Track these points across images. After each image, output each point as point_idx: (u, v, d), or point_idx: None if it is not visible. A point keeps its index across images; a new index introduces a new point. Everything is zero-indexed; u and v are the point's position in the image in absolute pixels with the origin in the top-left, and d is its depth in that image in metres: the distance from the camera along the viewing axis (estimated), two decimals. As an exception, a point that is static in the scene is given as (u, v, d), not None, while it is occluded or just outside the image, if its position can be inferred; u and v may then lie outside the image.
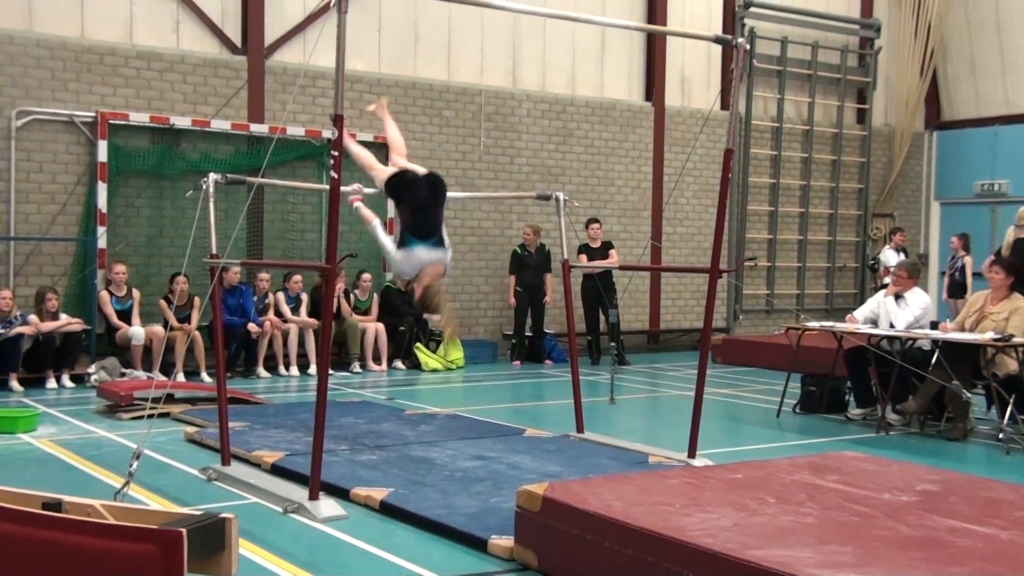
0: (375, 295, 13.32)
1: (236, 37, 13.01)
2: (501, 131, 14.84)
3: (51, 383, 10.99)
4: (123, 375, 11.28)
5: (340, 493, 6.27)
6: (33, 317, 10.92)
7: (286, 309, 12.64)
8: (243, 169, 11.91)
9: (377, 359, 13.08)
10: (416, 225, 6.45)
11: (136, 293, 11.85)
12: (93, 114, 11.96)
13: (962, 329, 9.26)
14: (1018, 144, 17.95)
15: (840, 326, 9.99)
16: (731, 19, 16.88)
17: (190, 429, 8.47)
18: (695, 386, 7.33)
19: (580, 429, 8.37)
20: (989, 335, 8.65)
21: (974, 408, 9.22)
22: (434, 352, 13.43)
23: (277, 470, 6.98)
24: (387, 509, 6.00)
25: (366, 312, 13.25)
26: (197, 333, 11.64)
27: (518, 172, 14.96)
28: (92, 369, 11.21)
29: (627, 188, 16.03)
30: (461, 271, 14.58)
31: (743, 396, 11.48)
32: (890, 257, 15.42)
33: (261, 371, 12.26)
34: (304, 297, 12.86)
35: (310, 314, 12.76)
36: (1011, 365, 8.73)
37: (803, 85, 17.94)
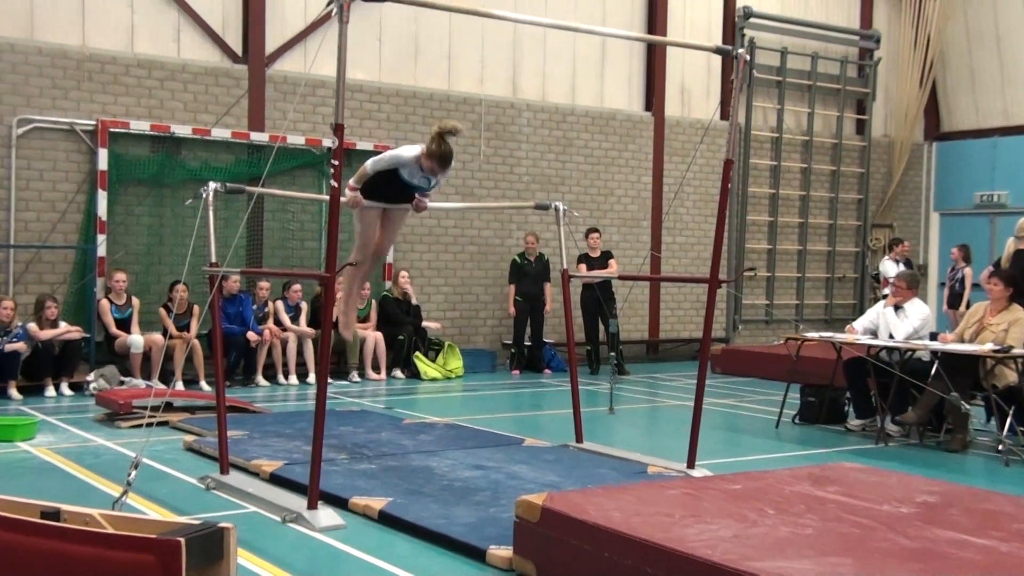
0: (373, 304, 13.32)
1: (237, 46, 13.04)
2: (501, 140, 14.86)
3: (50, 391, 10.99)
4: (122, 383, 11.26)
5: (339, 502, 6.26)
6: (32, 325, 10.91)
7: (285, 318, 12.64)
8: (243, 178, 11.95)
9: (376, 368, 13.07)
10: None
11: (136, 301, 11.85)
12: (94, 122, 11.98)
13: (961, 340, 9.26)
14: (1017, 155, 17.98)
15: (839, 337, 9.99)
16: (731, 30, 16.92)
17: (189, 438, 8.46)
18: (694, 396, 7.32)
19: (579, 439, 8.37)
20: (988, 346, 8.65)
21: (973, 419, 9.21)
22: (433, 361, 13.43)
23: (276, 479, 6.97)
24: (386, 519, 5.99)
25: (364, 320, 13.24)
26: (196, 341, 11.63)
27: (518, 181, 14.98)
28: (91, 377, 11.20)
29: (627, 198, 16.04)
30: (460, 280, 14.59)
31: (742, 406, 11.47)
32: (889, 268, 15.42)
33: (260, 380, 12.26)
34: (304, 306, 12.85)
35: (310, 323, 12.75)
36: (1010, 376, 8.72)
37: (803, 96, 17.97)
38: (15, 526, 4.01)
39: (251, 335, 12.07)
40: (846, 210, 18.58)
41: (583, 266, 13.75)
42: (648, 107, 16.28)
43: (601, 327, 14.10)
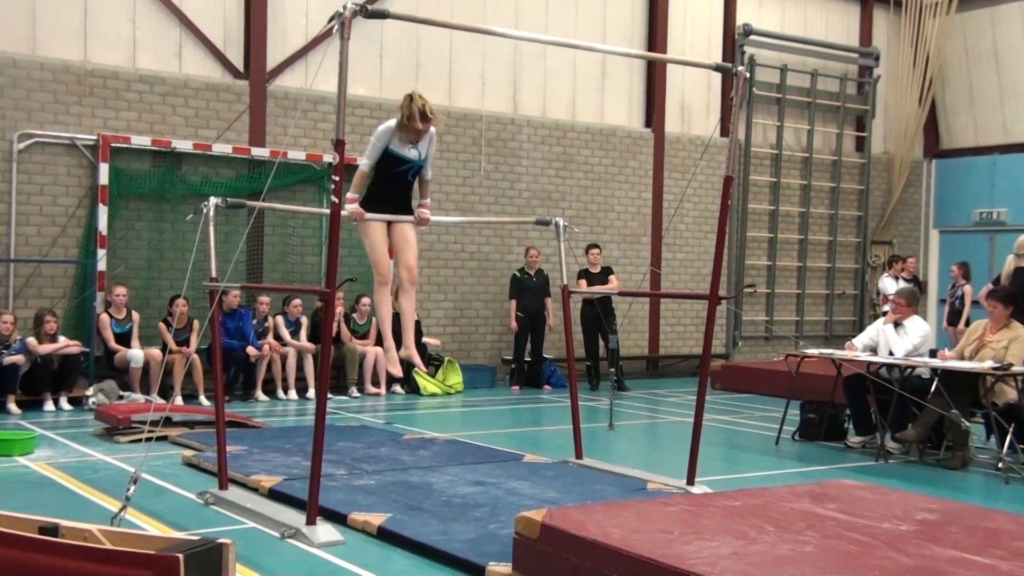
0: (374, 319, 13.31)
1: (238, 62, 13.08)
2: (502, 156, 14.89)
3: (49, 406, 10.98)
4: (121, 398, 11.26)
5: (338, 518, 6.25)
6: (31, 340, 10.91)
7: (285, 333, 12.64)
8: (244, 193, 11.96)
9: (376, 383, 13.07)
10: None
11: (136, 316, 11.85)
12: (95, 137, 12.00)
13: (961, 357, 9.26)
14: (1017, 173, 18.02)
15: (839, 353, 9.98)
16: (731, 47, 16.98)
17: (188, 453, 8.45)
18: (694, 412, 7.32)
19: (579, 455, 8.36)
20: (988, 364, 8.65)
21: (973, 437, 9.21)
22: (433, 377, 13.42)
23: (275, 494, 6.95)
24: (385, 535, 5.98)
25: (364, 336, 13.24)
26: (196, 356, 11.63)
27: (518, 197, 15.00)
28: (90, 392, 11.20)
29: (627, 214, 16.06)
30: (460, 295, 14.60)
31: (742, 423, 11.46)
32: (889, 285, 15.43)
33: (259, 395, 12.25)
34: (304, 321, 12.85)
35: (310, 338, 12.75)
36: (1010, 394, 8.72)
37: (802, 113, 18.01)
38: (13, 542, 4.00)
39: (251, 350, 12.07)
40: (846, 227, 18.60)
41: (583, 282, 13.75)
42: (648, 123, 16.31)
43: (601, 343, 14.10)
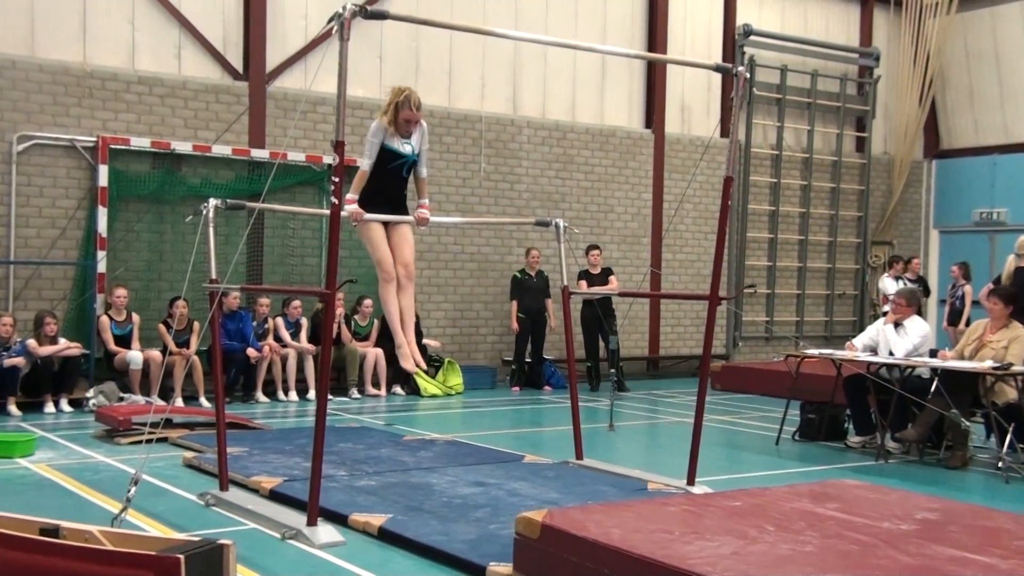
0: (375, 321, 13.31)
1: (238, 63, 13.08)
2: (501, 157, 14.89)
3: (49, 407, 10.98)
4: (121, 400, 11.26)
5: (338, 519, 6.25)
6: (31, 342, 10.91)
7: (285, 334, 12.64)
8: (244, 194, 11.95)
9: (376, 384, 13.06)
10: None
11: (136, 318, 11.85)
12: (94, 139, 12.00)
13: (961, 357, 9.27)
14: (1017, 173, 18.02)
15: (839, 354, 9.98)
16: (731, 47, 16.98)
17: (188, 454, 8.45)
18: (694, 413, 7.32)
19: (579, 456, 8.36)
20: (988, 363, 8.65)
21: (973, 436, 9.21)
22: (433, 378, 13.42)
23: (275, 496, 6.96)
24: (385, 535, 5.98)
25: (366, 338, 13.24)
26: (196, 358, 11.63)
27: (518, 198, 15.00)
28: (90, 394, 11.20)
29: (627, 215, 16.06)
30: (461, 297, 14.60)
31: (742, 423, 11.46)
32: (889, 285, 15.44)
33: (260, 396, 12.25)
34: (304, 322, 12.85)
35: (310, 339, 12.75)
36: (1010, 393, 8.72)
37: (802, 113, 18.01)
38: (14, 543, 4.00)
39: (251, 351, 12.07)
40: (846, 227, 18.60)
41: (583, 283, 13.76)
42: (648, 124, 16.31)
43: (601, 344, 14.10)
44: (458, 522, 6.20)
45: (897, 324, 9.58)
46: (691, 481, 7.31)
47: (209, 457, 7.96)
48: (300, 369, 12.58)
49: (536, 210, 14.84)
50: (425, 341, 13.59)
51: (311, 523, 5.93)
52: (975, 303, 14.04)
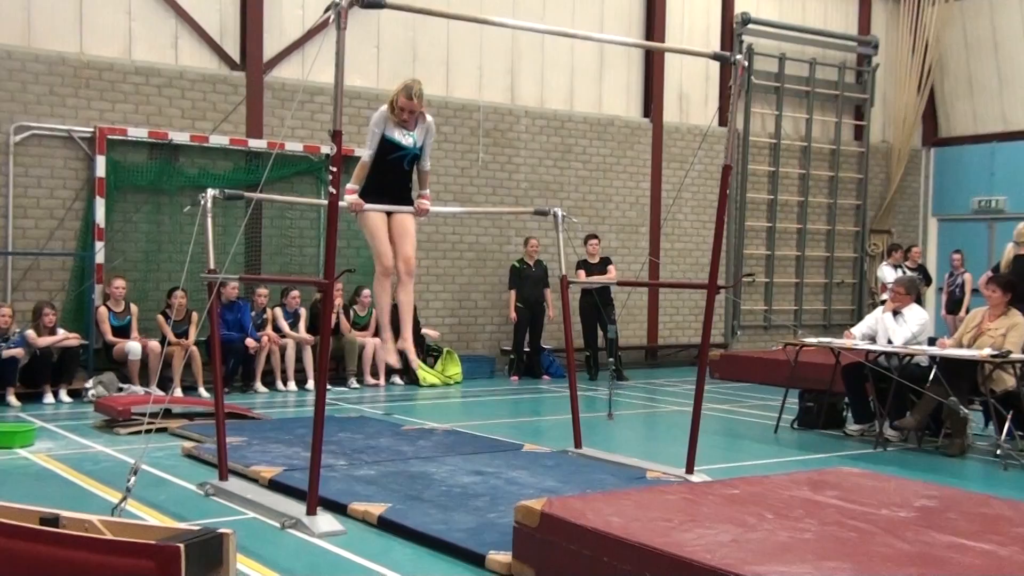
0: (374, 311, 13.30)
1: (235, 53, 13.05)
2: (499, 147, 14.87)
3: (48, 398, 10.99)
4: (120, 390, 11.26)
5: (338, 508, 6.26)
6: (30, 332, 10.91)
7: (284, 324, 12.64)
8: (241, 184, 11.92)
9: (375, 374, 13.07)
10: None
11: (134, 308, 11.85)
12: (91, 129, 11.98)
13: (960, 345, 9.27)
14: (1015, 161, 18.01)
15: (838, 342, 9.99)
16: (729, 36, 16.95)
17: (188, 444, 8.46)
18: (693, 402, 7.32)
19: (578, 445, 8.36)
20: (987, 351, 8.66)
21: (972, 424, 9.22)
22: (432, 367, 13.42)
23: (275, 485, 6.97)
24: (385, 524, 5.99)
25: (365, 328, 13.24)
26: (195, 348, 11.64)
27: (516, 188, 14.99)
28: (89, 384, 11.20)
29: (625, 204, 16.05)
30: (459, 286, 14.59)
31: (741, 412, 11.47)
32: (887, 274, 15.44)
33: (259, 386, 12.25)
34: (303, 312, 12.85)
35: (308, 329, 12.75)
36: (1008, 381, 8.73)
37: (801, 102, 17.99)
38: (14, 532, 4.01)
39: (250, 342, 12.07)
40: (844, 216, 18.60)
41: (582, 272, 13.75)
42: (646, 113, 16.29)
43: (600, 333, 14.10)
44: (457, 511, 6.21)
45: (896, 312, 9.59)
46: (690, 469, 7.32)
47: (208, 447, 7.97)
48: (299, 359, 12.58)
49: (534, 199, 14.82)
50: (424, 331, 13.62)
51: (311, 512, 5.94)
52: (974, 291, 14.05)
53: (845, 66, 18.35)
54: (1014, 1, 17.86)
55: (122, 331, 11.68)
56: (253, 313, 12.47)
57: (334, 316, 12.57)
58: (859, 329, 9.97)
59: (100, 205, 11.89)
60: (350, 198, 6.51)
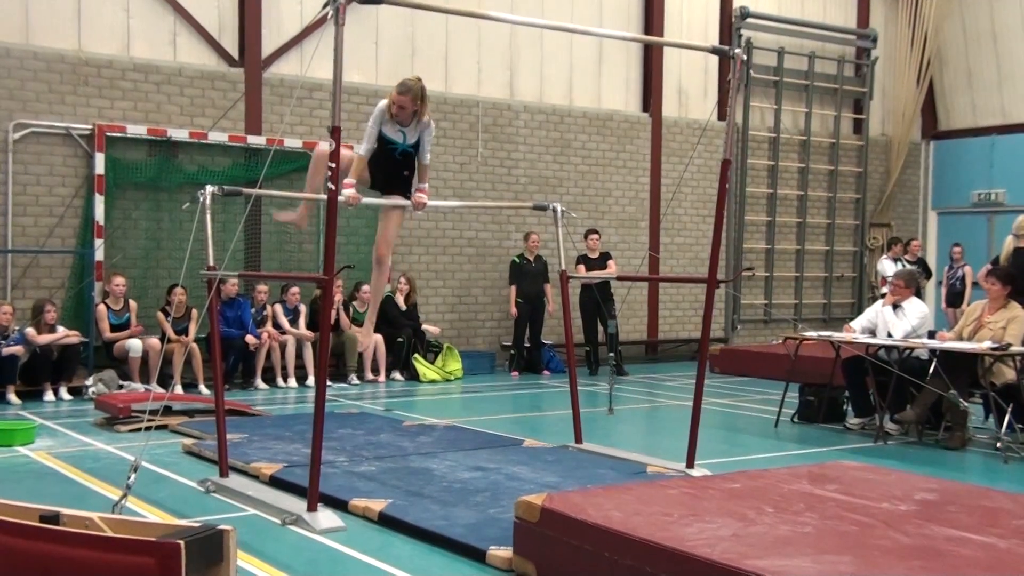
0: (373, 306, 13.29)
1: (233, 49, 13.04)
2: (499, 142, 14.86)
3: (49, 396, 10.98)
4: (121, 387, 11.27)
5: (338, 504, 6.26)
6: (30, 330, 10.91)
7: (284, 321, 12.63)
8: (240, 181, 11.93)
9: (375, 370, 13.07)
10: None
11: (133, 305, 11.84)
12: (90, 126, 11.97)
13: (960, 338, 9.27)
14: (1015, 153, 18.00)
15: (838, 336, 9.99)
16: (728, 30, 16.93)
17: (188, 441, 8.46)
18: (693, 396, 7.33)
19: (578, 440, 8.37)
20: (986, 344, 8.66)
21: (972, 417, 9.23)
22: (432, 363, 13.42)
23: (275, 482, 6.97)
24: (386, 520, 5.99)
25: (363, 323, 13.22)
26: (195, 345, 11.64)
27: (516, 183, 14.98)
28: (90, 381, 11.20)
29: (625, 199, 16.04)
30: (459, 282, 14.59)
31: (741, 406, 11.47)
32: (887, 267, 15.42)
33: (259, 383, 12.25)
34: (302, 308, 12.85)
35: (308, 326, 12.74)
36: (1008, 374, 8.74)
37: (800, 95, 17.98)
38: (15, 530, 4.01)
39: (249, 338, 12.06)
40: (844, 209, 18.59)
41: (582, 267, 13.75)
42: (645, 108, 16.28)
43: (600, 328, 14.10)
44: (458, 507, 6.21)
45: (896, 306, 9.59)
46: (690, 464, 7.33)
47: (209, 444, 7.97)
48: (299, 355, 12.58)
49: (534, 195, 14.82)
50: (424, 327, 13.62)
51: (311, 509, 5.95)
52: (974, 284, 14.04)
53: (844, 60, 18.33)
54: (1013, -6, 17.85)
55: (121, 329, 11.66)
56: (253, 310, 12.47)
57: (334, 312, 12.57)
58: (859, 323, 9.97)
59: (99, 202, 11.88)
60: (348, 192, 6.51)
